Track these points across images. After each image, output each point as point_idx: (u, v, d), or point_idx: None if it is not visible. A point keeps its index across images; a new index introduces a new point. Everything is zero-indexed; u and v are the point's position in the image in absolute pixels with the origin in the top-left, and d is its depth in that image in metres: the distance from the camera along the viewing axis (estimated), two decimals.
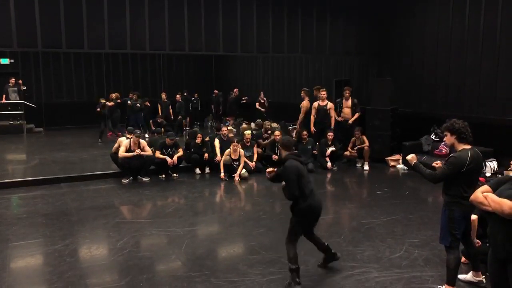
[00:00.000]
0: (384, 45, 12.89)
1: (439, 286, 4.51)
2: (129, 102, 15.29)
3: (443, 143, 9.82)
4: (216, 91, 19.41)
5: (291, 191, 4.59)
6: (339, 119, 11.47)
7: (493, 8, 9.92)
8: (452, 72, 11.03)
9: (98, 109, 14.76)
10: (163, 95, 16.71)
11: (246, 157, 10.02)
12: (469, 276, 4.71)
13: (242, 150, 9.92)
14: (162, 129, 14.59)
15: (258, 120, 13.49)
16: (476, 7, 10.30)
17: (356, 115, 11.42)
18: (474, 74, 10.46)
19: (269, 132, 11.43)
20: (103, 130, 14.61)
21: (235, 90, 17.96)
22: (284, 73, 17.61)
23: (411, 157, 4.49)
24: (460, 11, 10.70)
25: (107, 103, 14.91)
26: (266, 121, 12.09)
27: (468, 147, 4.21)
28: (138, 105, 15.15)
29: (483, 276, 4.63)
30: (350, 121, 11.36)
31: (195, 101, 18.53)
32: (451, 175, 4.12)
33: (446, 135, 4.31)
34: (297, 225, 4.73)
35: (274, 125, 12.04)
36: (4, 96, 15.87)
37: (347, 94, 11.47)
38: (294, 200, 4.68)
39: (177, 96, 16.99)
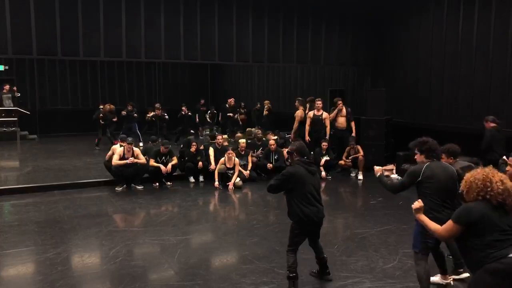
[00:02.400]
0: (378, 56, 12.99)
1: None
2: (123, 112, 15.28)
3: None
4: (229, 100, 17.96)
5: (272, 186, 4.80)
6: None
7: (486, 20, 10.03)
8: (445, 83, 11.12)
9: (101, 116, 14.58)
10: (157, 105, 16.41)
11: (241, 165, 10.02)
12: (437, 278, 4.85)
13: (237, 159, 9.92)
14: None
15: (249, 129, 13.44)
16: (469, 19, 10.41)
17: (353, 124, 11.50)
18: (468, 86, 10.55)
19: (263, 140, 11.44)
20: (100, 138, 14.54)
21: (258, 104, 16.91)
22: (279, 83, 17.67)
23: (377, 169, 4.70)
24: (453, 23, 10.81)
25: (112, 117, 14.69)
26: (257, 130, 12.07)
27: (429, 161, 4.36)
28: (136, 115, 15.17)
29: (451, 278, 4.79)
30: (354, 134, 11.38)
31: (210, 114, 17.75)
32: (407, 184, 4.38)
33: (416, 153, 4.47)
34: (296, 234, 4.74)
35: (272, 137, 11.89)
36: None
37: (340, 105, 11.54)
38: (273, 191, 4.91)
39: (183, 107, 16.48)
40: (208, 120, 17.82)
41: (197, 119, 18.00)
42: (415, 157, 4.49)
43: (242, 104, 17.29)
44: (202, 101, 18.71)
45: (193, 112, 17.56)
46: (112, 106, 14.97)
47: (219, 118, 17.90)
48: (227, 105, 17.20)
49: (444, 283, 4.80)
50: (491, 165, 3.35)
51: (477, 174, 3.24)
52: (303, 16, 11.97)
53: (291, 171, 4.70)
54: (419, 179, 4.27)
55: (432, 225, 3.45)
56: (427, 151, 4.36)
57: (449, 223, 3.26)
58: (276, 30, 11.67)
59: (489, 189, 3.12)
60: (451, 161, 5.19)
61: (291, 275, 4.63)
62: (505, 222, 3.11)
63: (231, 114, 16.83)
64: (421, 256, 4.34)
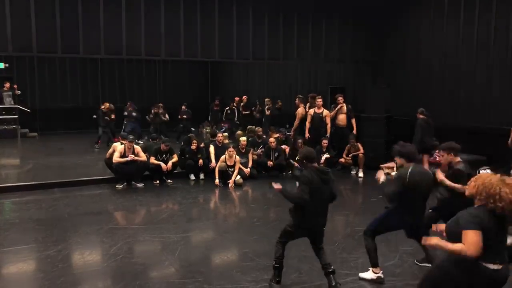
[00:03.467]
0: (379, 53, 12.98)
1: (369, 269, 4.97)
2: (125, 113, 15.26)
3: (438, 151, 9.88)
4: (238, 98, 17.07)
5: (301, 194, 4.45)
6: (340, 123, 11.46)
7: (487, 17, 10.02)
8: (446, 80, 11.12)
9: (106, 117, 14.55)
10: (160, 105, 16.33)
11: (241, 163, 10.02)
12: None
13: (237, 156, 9.92)
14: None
15: (250, 126, 13.35)
16: (470, 16, 10.40)
17: (353, 121, 11.48)
18: (468, 83, 10.54)
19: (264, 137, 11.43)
20: (100, 136, 14.52)
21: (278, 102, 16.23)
22: (280, 80, 17.64)
23: (380, 176, 5.09)
24: (454, 20, 10.80)
25: (111, 115, 14.65)
26: (258, 128, 12.06)
27: (411, 164, 4.74)
28: (134, 114, 15.15)
29: None
30: (354, 131, 11.37)
31: (229, 110, 16.39)
32: (399, 190, 4.63)
33: (396, 158, 4.93)
34: (289, 232, 4.72)
35: (274, 135, 11.75)
36: None
37: (340, 101, 11.51)
38: (299, 205, 4.52)
39: (183, 106, 16.35)
40: (224, 119, 16.52)
41: (209, 118, 17.22)
42: (396, 159, 4.93)
43: (258, 102, 16.45)
44: (217, 101, 17.57)
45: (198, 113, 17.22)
46: (111, 105, 14.98)
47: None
48: (235, 104, 16.60)
49: None
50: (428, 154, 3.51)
51: (490, 179, 3.17)
52: (303, 14, 11.95)
53: (307, 175, 4.53)
54: (407, 181, 4.56)
55: (454, 246, 3.13)
56: (407, 154, 4.74)
57: (471, 234, 3.06)
58: (276, 28, 11.66)
59: (497, 197, 3.08)
60: (451, 157, 5.23)
61: (276, 265, 4.70)
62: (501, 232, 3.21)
63: (247, 112, 16.12)
64: (370, 235, 4.90)
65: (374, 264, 4.92)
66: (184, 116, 16.20)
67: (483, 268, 3.12)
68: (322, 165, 10.59)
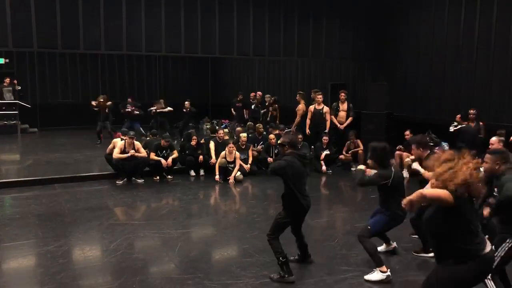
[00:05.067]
0: (379, 50, 12.95)
1: (374, 270, 4.92)
2: (121, 105, 15.19)
3: (437, 147, 9.87)
4: (253, 94, 15.91)
5: (276, 166, 4.87)
6: (336, 122, 11.40)
7: (488, 15, 10.00)
8: (446, 78, 11.11)
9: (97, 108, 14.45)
10: (161, 100, 16.14)
11: (241, 159, 10.02)
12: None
13: (237, 153, 9.92)
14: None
15: (250, 123, 13.30)
16: (471, 14, 10.38)
17: (349, 119, 11.42)
18: (469, 80, 10.53)
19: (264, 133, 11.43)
20: (99, 131, 14.48)
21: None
22: (280, 77, 17.62)
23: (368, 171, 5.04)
24: (455, 17, 10.79)
25: (106, 109, 14.52)
26: (258, 124, 12.04)
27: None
28: (130, 100, 15.01)
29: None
30: (342, 127, 11.33)
31: (256, 107, 14.89)
32: (375, 183, 4.89)
33: (370, 159, 4.98)
34: (284, 223, 4.93)
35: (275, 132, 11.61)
36: None
37: (342, 97, 11.48)
38: (275, 175, 4.92)
39: (186, 103, 15.73)
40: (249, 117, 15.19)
41: (234, 113, 16.16)
42: (413, 151, 5.06)
43: (273, 98, 15.00)
44: (240, 97, 15.97)
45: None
46: (104, 96, 14.84)
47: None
48: (251, 100, 15.60)
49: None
50: None
51: (459, 163, 3.06)
52: (303, 10, 11.92)
53: (290, 160, 4.84)
54: (390, 182, 4.77)
55: (432, 191, 3.05)
56: (379, 158, 4.85)
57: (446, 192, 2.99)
58: (276, 24, 11.63)
59: (469, 180, 2.99)
60: (420, 152, 5.24)
61: (284, 260, 4.79)
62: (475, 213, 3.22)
63: (263, 110, 14.82)
64: (368, 236, 4.94)
65: (379, 264, 4.85)
66: (184, 109, 15.95)
67: (487, 255, 3.08)
68: (322, 161, 10.63)
